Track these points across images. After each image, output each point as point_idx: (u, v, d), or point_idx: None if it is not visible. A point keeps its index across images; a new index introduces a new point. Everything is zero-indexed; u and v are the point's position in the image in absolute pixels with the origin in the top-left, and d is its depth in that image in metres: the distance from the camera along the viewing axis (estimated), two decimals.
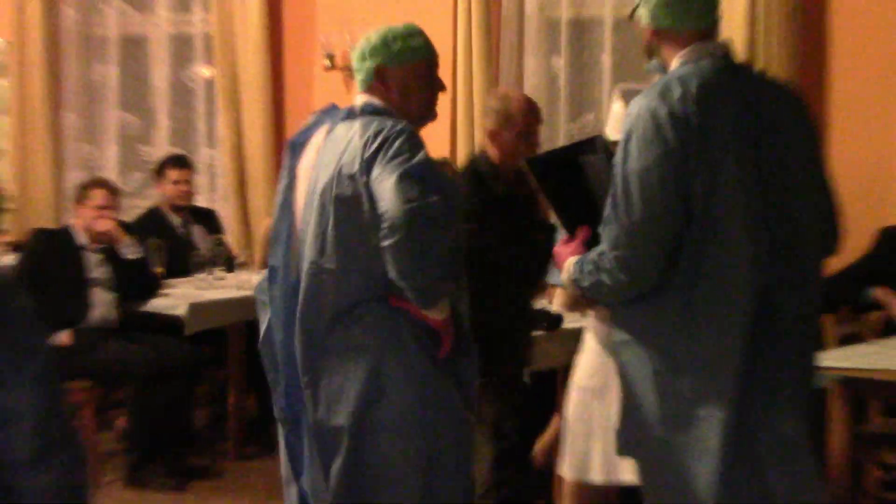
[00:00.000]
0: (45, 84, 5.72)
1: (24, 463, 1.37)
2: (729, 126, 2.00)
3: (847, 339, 3.59)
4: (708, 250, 1.99)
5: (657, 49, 2.16)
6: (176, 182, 4.71)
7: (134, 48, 6.03)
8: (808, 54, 4.42)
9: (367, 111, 2.27)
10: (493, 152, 3.08)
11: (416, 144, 2.16)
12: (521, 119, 3.03)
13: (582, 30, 5.13)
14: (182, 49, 5.92)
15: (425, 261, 2.06)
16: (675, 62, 2.10)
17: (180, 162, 4.82)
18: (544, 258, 2.85)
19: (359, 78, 2.36)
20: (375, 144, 2.13)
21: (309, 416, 2.27)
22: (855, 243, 3.90)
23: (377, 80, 2.31)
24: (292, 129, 3.68)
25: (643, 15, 2.14)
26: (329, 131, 2.30)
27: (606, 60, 5.04)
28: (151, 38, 5.95)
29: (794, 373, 2.09)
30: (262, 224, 4.88)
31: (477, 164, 3.13)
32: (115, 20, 5.95)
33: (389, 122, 2.18)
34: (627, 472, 2.51)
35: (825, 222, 2.19)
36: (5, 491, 1.39)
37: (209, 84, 5.82)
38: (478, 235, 2.81)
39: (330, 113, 2.38)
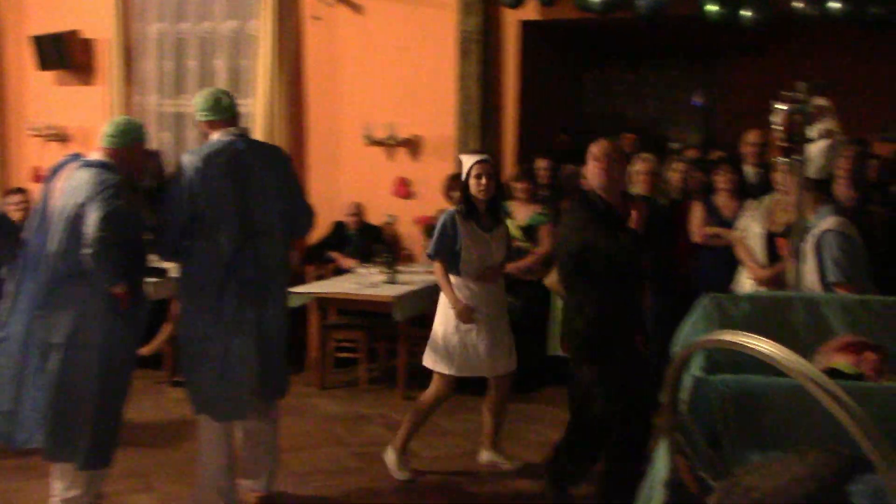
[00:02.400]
0: None
1: None
2: (222, 169, 3.90)
3: (318, 278, 6.96)
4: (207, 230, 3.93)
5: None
6: None
7: None
8: (295, 131, 7.79)
9: (98, 165, 3.82)
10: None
11: (118, 195, 3.69)
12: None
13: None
14: None
15: (103, 264, 3.63)
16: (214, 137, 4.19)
17: None
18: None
19: (103, 144, 4.06)
20: (97, 188, 3.84)
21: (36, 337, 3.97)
22: (321, 229, 7.38)
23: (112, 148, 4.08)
24: None
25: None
26: (75, 169, 3.82)
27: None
28: None
29: (278, 294, 4.36)
30: None
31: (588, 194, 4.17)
32: None
33: (110, 176, 4.04)
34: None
35: (300, 218, 4.41)
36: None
37: None
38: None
39: (75, 158, 3.92)
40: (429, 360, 4.79)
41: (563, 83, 9.24)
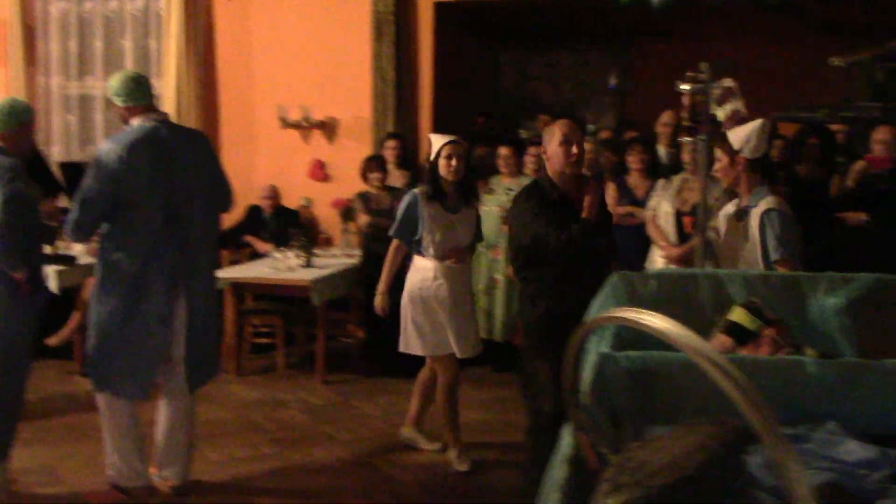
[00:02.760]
0: None
1: None
2: (147, 158, 3.82)
3: (233, 263, 6.85)
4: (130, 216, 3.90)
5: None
6: None
7: None
8: (207, 114, 7.62)
9: None
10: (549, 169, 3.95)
11: (16, 178, 3.90)
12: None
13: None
14: None
15: (5, 248, 3.65)
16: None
17: None
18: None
19: None
20: None
21: None
22: (236, 214, 7.25)
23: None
24: None
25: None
26: None
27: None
28: None
29: (203, 277, 4.41)
30: None
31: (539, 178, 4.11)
32: None
33: (4, 159, 3.99)
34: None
35: (220, 197, 4.42)
36: None
37: None
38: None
39: None
40: (402, 345, 4.74)
41: (479, 65, 9.27)
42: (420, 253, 4.65)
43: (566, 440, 1.66)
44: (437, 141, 4.66)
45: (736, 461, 1.43)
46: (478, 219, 4.85)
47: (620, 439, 1.71)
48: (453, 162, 4.56)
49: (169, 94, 7.49)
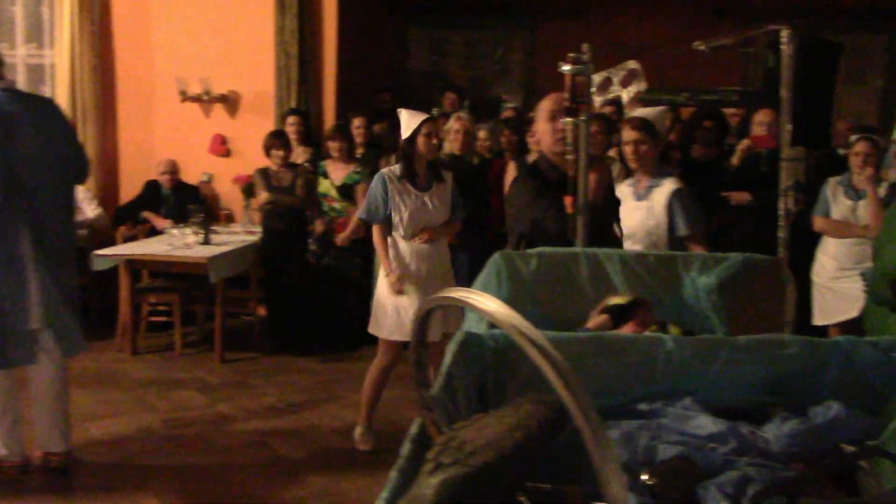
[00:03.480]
0: None
1: None
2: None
3: (129, 240, 6.67)
4: None
5: None
6: None
7: None
8: (103, 86, 7.38)
9: None
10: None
11: None
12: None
13: None
14: None
15: None
16: None
17: None
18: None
19: None
20: None
21: None
22: (133, 189, 7.07)
23: None
24: None
25: None
26: None
27: None
28: None
29: (54, 248, 4.05)
30: None
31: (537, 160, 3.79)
32: None
33: None
34: None
35: (73, 169, 4.13)
36: None
37: None
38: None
39: None
40: (370, 324, 4.64)
41: (387, 40, 9.19)
42: (389, 233, 4.55)
43: (416, 421, 1.66)
44: (412, 118, 4.51)
45: (552, 439, 1.44)
46: (454, 194, 4.69)
47: (461, 417, 1.71)
48: (433, 139, 4.52)
49: (62, 65, 7.22)
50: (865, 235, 5.07)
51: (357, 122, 6.70)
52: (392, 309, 4.50)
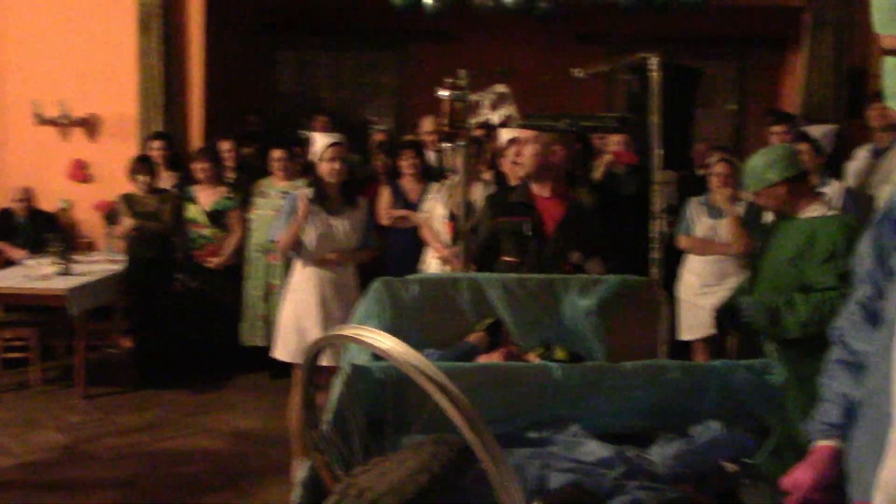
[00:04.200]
0: None
1: None
2: None
3: None
4: None
5: None
6: None
7: None
8: None
9: None
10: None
11: None
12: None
13: None
14: None
15: None
16: None
17: None
18: None
19: None
20: None
21: None
22: None
23: None
24: None
25: None
26: None
27: None
28: None
29: None
30: None
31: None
32: None
33: None
34: None
35: None
36: None
37: None
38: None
39: None
40: (273, 349, 4.63)
41: (255, 62, 9.02)
42: (297, 255, 4.51)
43: (304, 463, 1.59)
44: (321, 141, 4.50)
45: (457, 481, 1.41)
46: (368, 221, 4.69)
47: (368, 456, 1.66)
48: (337, 165, 4.43)
49: None
50: (726, 253, 5.30)
51: (226, 146, 6.51)
52: (294, 331, 4.45)
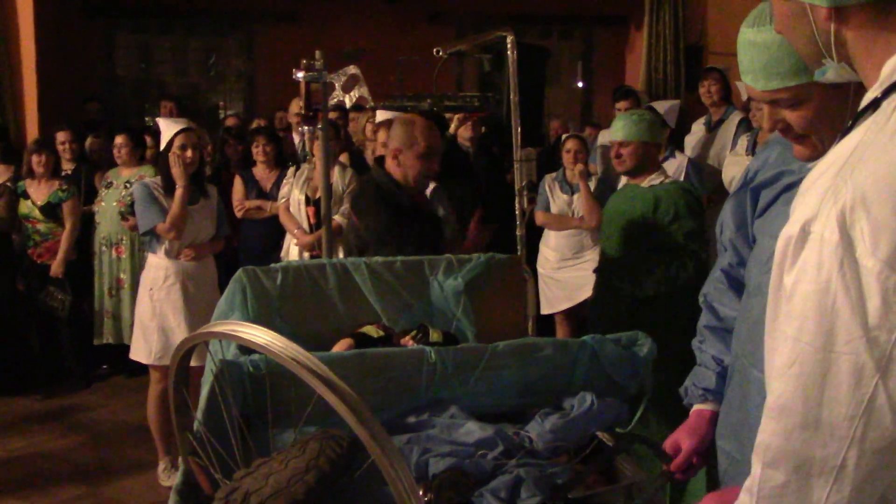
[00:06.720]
0: None
1: None
2: None
3: None
4: None
5: None
6: None
7: None
8: None
9: None
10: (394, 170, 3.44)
11: None
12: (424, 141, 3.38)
13: None
14: None
15: None
16: None
17: None
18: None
19: None
20: None
21: None
22: None
23: None
24: None
25: None
26: None
27: None
28: None
29: None
30: None
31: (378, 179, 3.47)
32: None
33: None
34: None
35: None
36: None
37: None
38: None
39: None
40: (132, 351, 4.32)
41: (91, 47, 8.55)
42: (152, 250, 4.24)
43: (180, 468, 1.51)
44: (167, 128, 4.22)
45: (345, 476, 1.37)
46: (220, 210, 4.47)
47: (248, 456, 1.58)
48: (189, 152, 4.17)
49: None
50: (581, 227, 5.44)
51: (62, 138, 6.01)
52: (157, 331, 4.22)
